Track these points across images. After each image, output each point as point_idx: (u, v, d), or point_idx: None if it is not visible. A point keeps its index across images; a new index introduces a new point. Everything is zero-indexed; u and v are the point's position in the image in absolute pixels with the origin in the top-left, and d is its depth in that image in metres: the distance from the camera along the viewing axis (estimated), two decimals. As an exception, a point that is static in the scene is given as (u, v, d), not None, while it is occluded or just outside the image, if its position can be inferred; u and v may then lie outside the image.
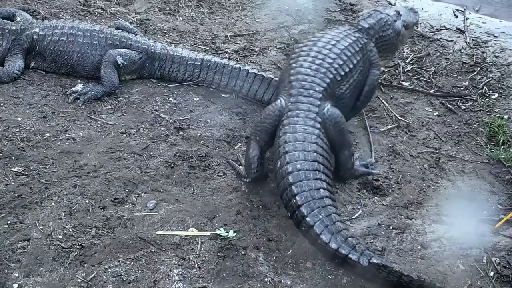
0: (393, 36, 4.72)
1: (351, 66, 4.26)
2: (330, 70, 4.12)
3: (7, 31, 4.77)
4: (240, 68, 4.93)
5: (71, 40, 4.77)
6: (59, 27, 4.78)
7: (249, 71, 4.90)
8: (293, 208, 3.51)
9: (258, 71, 4.93)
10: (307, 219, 3.42)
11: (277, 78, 4.76)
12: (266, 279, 3.33)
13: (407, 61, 5.77)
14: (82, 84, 4.70)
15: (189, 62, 4.96)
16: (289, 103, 3.94)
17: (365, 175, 4.23)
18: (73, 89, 4.65)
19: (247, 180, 4.03)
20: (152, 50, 4.93)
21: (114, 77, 4.73)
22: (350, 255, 3.29)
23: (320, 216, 3.43)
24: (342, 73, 4.17)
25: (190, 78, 5.01)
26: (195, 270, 3.30)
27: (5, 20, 4.84)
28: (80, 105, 4.54)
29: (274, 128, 3.93)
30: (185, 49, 5.09)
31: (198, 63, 4.96)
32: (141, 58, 4.88)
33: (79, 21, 4.98)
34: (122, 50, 4.80)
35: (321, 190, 3.56)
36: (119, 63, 4.74)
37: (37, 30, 4.77)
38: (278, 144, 3.79)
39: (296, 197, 3.50)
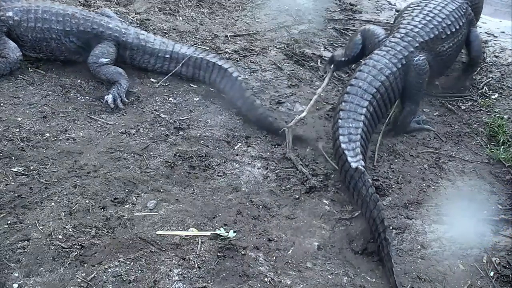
0: (481, 0, 5.41)
1: (457, 27, 4.82)
2: (437, 27, 4.68)
3: None
4: (202, 58, 4.93)
5: (47, 27, 4.71)
6: (32, 11, 4.69)
7: (209, 60, 4.91)
8: (337, 109, 4.23)
9: (217, 61, 4.92)
10: (340, 121, 4.09)
11: (230, 69, 4.85)
12: (266, 279, 3.33)
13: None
14: (107, 92, 4.64)
15: (159, 55, 4.94)
16: (387, 41, 4.60)
17: (418, 131, 4.72)
18: (106, 101, 4.56)
19: (343, 59, 4.89)
20: (124, 39, 4.88)
21: (114, 68, 4.75)
22: (349, 157, 3.87)
23: (351, 125, 4.07)
24: (448, 32, 4.75)
25: (160, 69, 5.01)
26: (195, 270, 3.30)
27: None
28: (124, 104, 4.58)
29: (362, 51, 4.80)
30: (158, 38, 5.03)
31: (168, 56, 4.95)
32: (114, 46, 4.84)
33: (51, 1, 4.89)
34: (97, 51, 4.75)
35: (365, 110, 4.16)
36: (105, 62, 4.73)
37: (11, 14, 4.68)
38: (360, 63, 4.60)
39: (343, 103, 4.18)
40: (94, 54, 4.76)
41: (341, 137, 4.01)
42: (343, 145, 3.96)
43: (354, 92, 4.23)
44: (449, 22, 4.77)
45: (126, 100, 4.63)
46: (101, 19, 4.90)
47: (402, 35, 4.60)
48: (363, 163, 3.86)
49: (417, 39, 4.56)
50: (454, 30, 4.79)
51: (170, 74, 4.99)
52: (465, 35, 5.07)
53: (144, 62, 4.99)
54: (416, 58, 4.47)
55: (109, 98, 4.57)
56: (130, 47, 4.91)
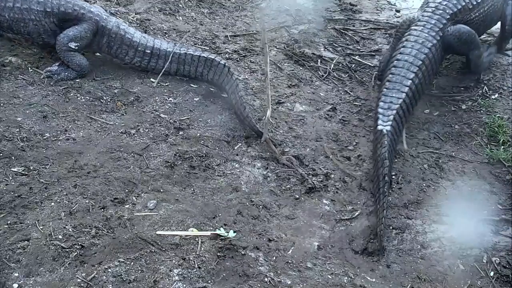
0: None
1: None
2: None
3: None
4: (185, 53, 4.91)
5: (26, 7, 4.66)
6: None
7: (193, 54, 4.89)
8: (383, 82, 4.65)
9: (201, 53, 4.92)
10: (384, 89, 4.53)
11: (217, 58, 4.88)
12: (266, 279, 3.33)
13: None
14: (57, 64, 4.76)
15: (139, 48, 4.89)
16: (421, 16, 5.04)
17: (490, 61, 5.41)
18: (48, 68, 4.71)
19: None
20: (103, 24, 4.81)
21: (79, 59, 4.74)
22: (379, 121, 4.26)
23: (394, 95, 4.45)
24: (474, 3, 5.11)
25: (139, 64, 4.96)
26: (195, 270, 3.31)
27: None
28: (51, 84, 4.62)
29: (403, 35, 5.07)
30: (139, 33, 4.98)
31: (149, 51, 4.90)
32: (91, 30, 4.78)
33: None
34: (71, 33, 4.69)
35: (409, 82, 4.54)
36: (73, 47, 4.71)
37: None
38: (402, 39, 4.93)
39: (390, 75, 4.61)
40: (67, 34, 4.70)
41: (381, 103, 4.39)
42: (380, 110, 4.34)
43: (400, 65, 4.63)
44: None
45: (53, 83, 4.65)
46: (83, 2, 4.87)
47: (433, 8, 5.03)
48: (389, 128, 4.18)
49: (447, 11, 4.99)
50: (480, 0, 5.12)
51: (163, 70, 4.93)
52: (496, 6, 5.38)
53: (122, 53, 4.90)
54: (449, 27, 4.93)
55: (52, 68, 4.69)
56: (108, 34, 4.82)
